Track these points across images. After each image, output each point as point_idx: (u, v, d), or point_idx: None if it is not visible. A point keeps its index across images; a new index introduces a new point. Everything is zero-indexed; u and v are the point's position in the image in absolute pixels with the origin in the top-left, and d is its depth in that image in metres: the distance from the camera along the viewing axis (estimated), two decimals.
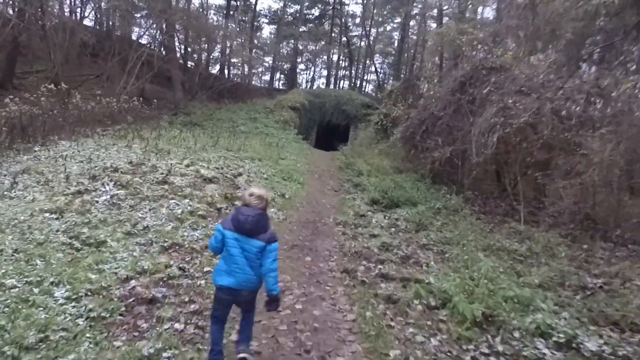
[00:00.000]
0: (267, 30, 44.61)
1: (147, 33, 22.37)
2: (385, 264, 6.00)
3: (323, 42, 42.92)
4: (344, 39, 39.97)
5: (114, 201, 6.75)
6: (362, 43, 42.22)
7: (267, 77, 41.22)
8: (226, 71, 34.43)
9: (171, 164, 8.45)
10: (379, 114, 20.01)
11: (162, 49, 24.75)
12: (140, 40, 22.20)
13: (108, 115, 14.36)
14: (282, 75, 43.87)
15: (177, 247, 5.67)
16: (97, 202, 6.68)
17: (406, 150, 14.57)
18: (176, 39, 29.30)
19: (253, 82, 35.95)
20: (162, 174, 7.81)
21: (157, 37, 23.51)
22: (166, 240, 5.74)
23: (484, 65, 9.36)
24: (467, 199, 9.64)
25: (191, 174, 8.17)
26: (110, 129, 13.33)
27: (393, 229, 8.07)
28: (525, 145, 7.94)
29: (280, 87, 37.13)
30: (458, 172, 10.55)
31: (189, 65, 29.39)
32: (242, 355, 3.12)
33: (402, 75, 29.56)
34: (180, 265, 5.06)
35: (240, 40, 33.22)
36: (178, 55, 27.66)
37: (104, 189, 7.07)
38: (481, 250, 6.85)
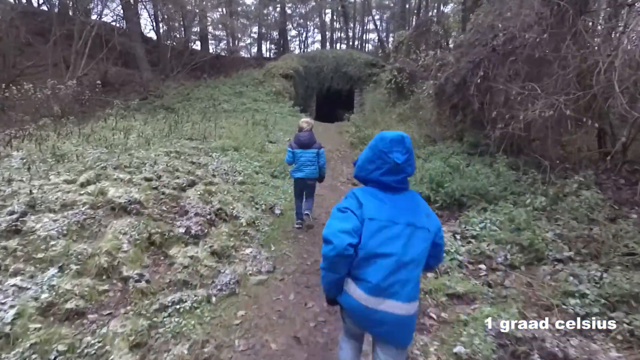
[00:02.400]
0: None
1: (98, 4, 17.73)
2: None
3: (313, 3, 37.79)
4: None
5: None
6: None
7: (255, 49, 36.35)
8: (211, 44, 29.83)
9: (42, 185, 4.36)
10: (391, 70, 15.58)
11: (124, 23, 20.28)
12: (92, 14, 17.70)
13: (32, 108, 10.26)
14: (272, 46, 38.96)
15: None
16: None
17: (440, 110, 10.36)
18: (143, 10, 24.76)
19: (240, 54, 31.35)
20: (13, 212, 3.75)
21: (113, 9, 18.98)
22: None
23: None
24: (584, 184, 5.45)
25: (85, 203, 4.10)
26: (29, 126, 9.26)
27: (483, 268, 4.03)
28: None
29: (271, 57, 32.38)
30: (548, 138, 6.34)
31: (168, 43, 24.83)
32: (306, 212, 5.34)
33: (408, 27, 24.75)
34: None
35: (221, 10, 28.45)
36: (153, 30, 23.11)
37: None
38: None
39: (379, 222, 1.79)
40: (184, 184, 5.18)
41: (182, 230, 4.15)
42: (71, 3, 18.05)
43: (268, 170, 7.12)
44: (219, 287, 3.50)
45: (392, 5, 38.70)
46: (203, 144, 7.78)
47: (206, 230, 4.35)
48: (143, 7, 24.27)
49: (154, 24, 25.16)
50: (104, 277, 3.30)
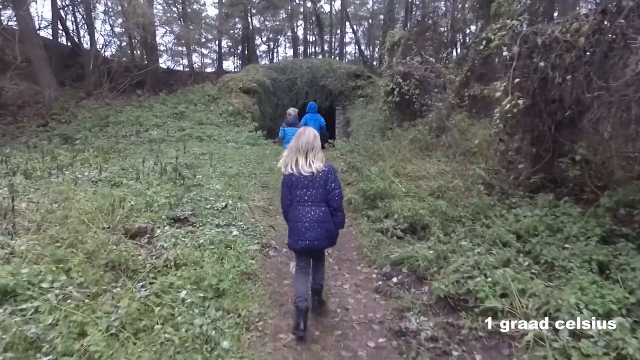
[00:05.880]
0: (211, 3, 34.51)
1: None
2: None
3: (284, 15, 32.78)
4: (309, 4, 29.82)
5: None
6: (332, 7, 32.35)
7: (216, 65, 30.84)
8: (167, 58, 24.31)
9: None
10: (392, 78, 10.36)
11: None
12: None
13: None
14: (239, 61, 33.58)
15: None
16: None
17: (508, 135, 5.17)
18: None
19: (195, 66, 25.96)
20: None
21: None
22: None
23: None
24: None
25: None
26: None
27: None
28: None
29: (236, 71, 27.03)
30: None
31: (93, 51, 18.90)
32: None
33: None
34: None
35: (179, 20, 23.02)
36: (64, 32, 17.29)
37: None
38: None
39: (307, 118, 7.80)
40: None
41: None
42: None
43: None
44: None
45: (368, 16, 34.24)
46: None
47: None
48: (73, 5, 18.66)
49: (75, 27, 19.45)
50: None
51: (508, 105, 4.26)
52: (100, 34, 20.76)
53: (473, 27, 12.84)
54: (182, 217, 4.06)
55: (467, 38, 12.55)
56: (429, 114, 9.05)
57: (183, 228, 3.84)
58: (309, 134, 2.84)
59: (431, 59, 11.54)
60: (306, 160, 2.77)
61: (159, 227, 3.75)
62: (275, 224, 4.75)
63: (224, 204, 4.66)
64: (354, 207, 5.43)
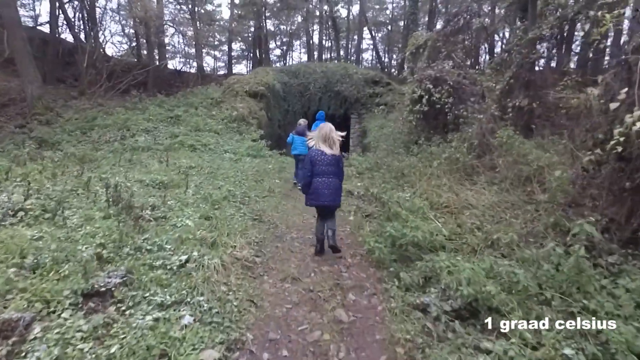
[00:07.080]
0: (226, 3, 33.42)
1: None
2: None
3: (299, 19, 31.42)
4: (325, 7, 28.36)
5: None
6: (350, 13, 30.87)
7: (227, 67, 29.56)
8: (175, 59, 23.05)
9: None
10: (420, 82, 8.67)
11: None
12: None
13: None
14: (252, 65, 32.27)
15: None
16: None
17: None
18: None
19: (207, 69, 24.68)
20: None
21: None
22: None
23: None
24: None
25: None
26: None
27: None
28: None
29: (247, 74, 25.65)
30: None
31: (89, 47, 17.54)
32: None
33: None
34: None
35: (186, 17, 21.79)
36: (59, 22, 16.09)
37: None
38: None
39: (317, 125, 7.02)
40: None
41: None
42: None
43: None
44: None
45: (386, 22, 32.66)
46: None
47: None
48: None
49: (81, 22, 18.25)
50: None
51: (639, 124, 2.60)
52: (99, 29, 19.65)
53: (503, 32, 11.11)
54: (102, 289, 2.46)
55: (502, 41, 10.81)
56: (466, 127, 7.39)
57: (94, 315, 2.24)
58: (328, 126, 4.02)
59: (463, 63, 9.89)
60: (330, 146, 3.92)
61: (49, 314, 2.16)
62: (261, 291, 3.09)
63: (184, 257, 3.06)
64: (377, 261, 3.77)
